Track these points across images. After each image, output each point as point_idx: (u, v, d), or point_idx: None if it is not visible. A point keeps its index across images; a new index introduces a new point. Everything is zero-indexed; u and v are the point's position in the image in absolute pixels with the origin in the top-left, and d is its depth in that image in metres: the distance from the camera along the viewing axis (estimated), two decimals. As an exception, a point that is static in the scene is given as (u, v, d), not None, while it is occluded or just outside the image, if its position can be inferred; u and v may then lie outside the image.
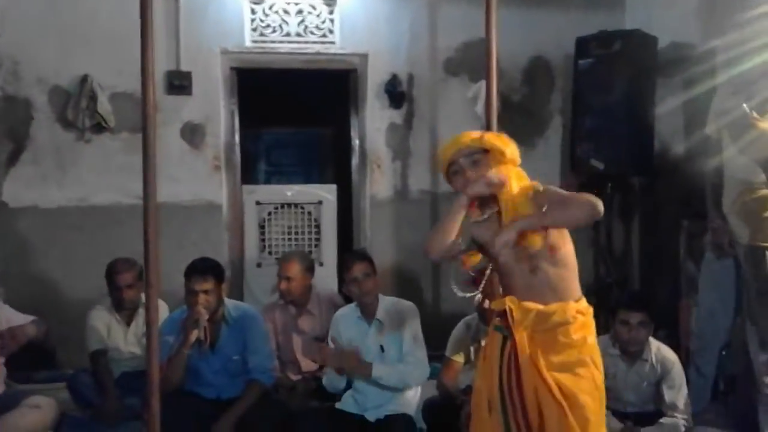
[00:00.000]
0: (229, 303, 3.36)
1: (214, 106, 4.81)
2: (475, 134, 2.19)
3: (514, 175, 2.14)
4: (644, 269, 5.18)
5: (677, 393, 3.10)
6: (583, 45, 4.81)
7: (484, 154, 2.15)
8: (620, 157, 4.62)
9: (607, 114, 4.61)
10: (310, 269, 3.75)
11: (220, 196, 4.84)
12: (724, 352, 3.47)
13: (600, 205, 1.95)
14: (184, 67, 4.71)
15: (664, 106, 4.83)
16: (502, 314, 2.11)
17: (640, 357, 3.17)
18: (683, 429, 3.10)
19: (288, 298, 3.70)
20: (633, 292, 4.80)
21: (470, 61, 4.94)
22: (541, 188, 2.11)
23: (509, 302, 2.09)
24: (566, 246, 2.12)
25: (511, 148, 2.17)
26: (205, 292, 3.13)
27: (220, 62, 4.81)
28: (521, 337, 2.05)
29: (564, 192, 2.10)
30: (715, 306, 3.18)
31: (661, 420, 3.10)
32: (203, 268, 3.19)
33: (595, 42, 4.74)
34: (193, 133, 4.77)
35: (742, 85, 3.28)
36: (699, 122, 3.49)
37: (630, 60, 4.60)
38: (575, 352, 2.05)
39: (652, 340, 3.20)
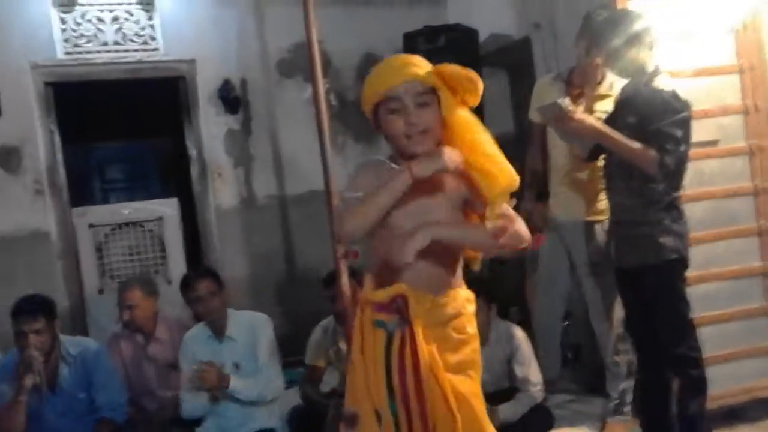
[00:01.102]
0: (66, 339, 3.11)
1: (30, 126, 4.46)
2: (427, 64, 1.69)
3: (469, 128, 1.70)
4: (490, 251, 5.41)
5: (528, 368, 3.24)
6: (410, 41, 4.91)
7: (434, 95, 1.66)
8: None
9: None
10: (153, 293, 3.54)
11: (46, 222, 4.48)
12: (567, 323, 3.70)
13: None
14: (-10, 86, 4.32)
15: (492, 95, 5.07)
16: (387, 306, 1.73)
17: (489, 339, 3.29)
18: (539, 400, 3.27)
19: (132, 328, 3.49)
20: (469, 277, 4.98)
21: (303, 62, 4.83)
22: None
23: (403, 290, 1.70)
24: None
25: (480, 87, 1.67)
26: (36, 332, 2.88)
27: (31, 78, 4.46)
28: (420, 331, 1.70)
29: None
30: (551, 280, 3.37)
31: (517, 395, 3.25)
32: (31, 307, 2.93)
33: (421, 37, 4.85)
34: (8, 157, 4.38)
35: (558, 72, 3.49)
36: (525, 108, 3.67)
37: (455, 53, 4.73)
38: (469, 351, 1.79)
39: (499, 320, 3.34)
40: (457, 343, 1.77)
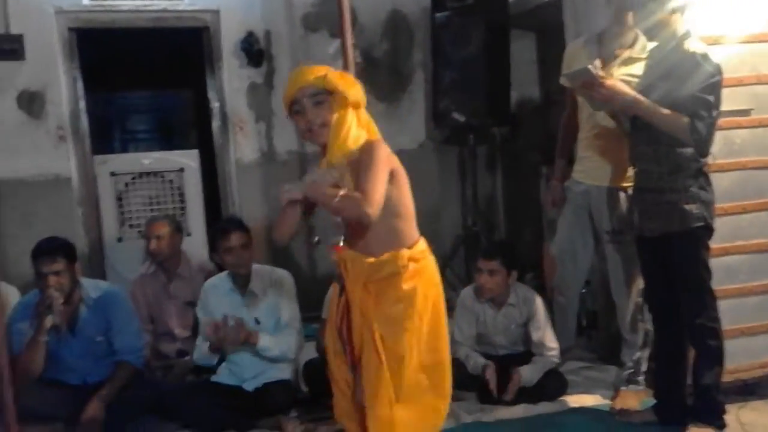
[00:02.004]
0: (87, 282, 3.14)
1: (53, 71, 4.43)
2: (320, 71, 2.08)
3: (357, 120, 2.08)
4: (509, 216, 5.40)
5: (544, 332, 3.25)
6: (438, -1, 4.83)
7: (328, 95, 2.06)
8: (480, 109, 4.72)
9: (465, 67, 4.68)
10: (179, 230, 3.66)
11: (68, 168, 4.50)
12: (584, 290, 3.67)
13: (370, 216, 1.95)
14: (14, 30, 4.28)
15: (519, 57, 4.98)
16: (338, 266, 2.16)
17: (507, 302, 3.29)
18: (554, 364, 3.27)
19: (158, 259, 3.56)
20: (491, 241, 4.98)
21: (329, 16, 4.83)
22: (365, 153, 2.02)
23: (342, 254, 2.12)
24: (400, 192, 2.08)
25: (355, 90, 2.08)
26: (56, 273, 2.92)
27: (55, 23, 4.43)
28: (352, 289, 2.09)
29: (366, 177, 1.98)
30: (572, 247, 3.33)
31: (534, 359, 3.26)
32: (51, 248, 2.96)
33: (450, -5, 4.77)
34: (31, 102, 4.38)
35: (589, 35, 3.40)
36: (553, 71, 3.60)
37: (484, 12, 4.67)
38: (406, 305, 2.06)
39: (518, 284, 3.34)
40: (393, 299, 2.06)
